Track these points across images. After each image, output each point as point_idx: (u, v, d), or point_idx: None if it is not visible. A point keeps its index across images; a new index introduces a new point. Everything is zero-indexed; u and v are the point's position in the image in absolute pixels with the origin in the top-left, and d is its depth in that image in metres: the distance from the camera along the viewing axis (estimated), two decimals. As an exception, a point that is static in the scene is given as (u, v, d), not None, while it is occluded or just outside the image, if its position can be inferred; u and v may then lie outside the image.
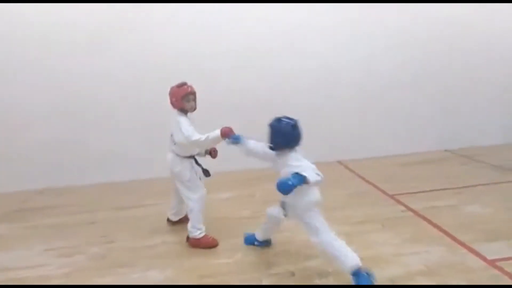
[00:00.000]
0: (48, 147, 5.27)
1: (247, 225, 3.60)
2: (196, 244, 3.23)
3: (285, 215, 2.76)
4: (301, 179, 2.36)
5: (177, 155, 3.22)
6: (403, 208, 3.82)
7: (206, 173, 3.39)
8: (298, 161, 2.55)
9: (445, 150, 6.10)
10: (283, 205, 2.76)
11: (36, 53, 5.07)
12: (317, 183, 2.44)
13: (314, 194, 2.63)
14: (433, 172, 5.00)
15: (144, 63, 5.28)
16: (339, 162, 5.80)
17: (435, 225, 3.36)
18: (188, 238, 3.29)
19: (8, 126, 5.16)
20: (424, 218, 3.53)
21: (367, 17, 5.66)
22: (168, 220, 3.76)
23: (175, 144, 3.17)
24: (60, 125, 5.26)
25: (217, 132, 2.92)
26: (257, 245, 3.18)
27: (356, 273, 2.44)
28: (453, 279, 2.54)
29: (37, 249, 3.41)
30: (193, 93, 3.16)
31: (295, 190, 2.35)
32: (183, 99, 3.09)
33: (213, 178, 5.11)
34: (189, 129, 3.00)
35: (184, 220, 3.64)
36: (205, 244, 3.22)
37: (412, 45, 5.83)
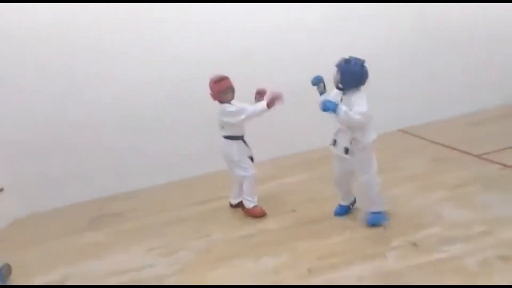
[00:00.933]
0: (110, 155, 5.32)
1: (336, 204, 3.53)
2: (248, 213, 3.64)
3: (347, 153, 2.91)
4: (335, 108, 2.71)
5: (226, 137, 3.50)
6: (499, 166, 3.65)
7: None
8: (359, 100, 2.75)
9: (509, 105, 5.80)
10: (335, 143, 3.01)
11: (100, 66, 5.09)
12: (347, 121, 2.76)
13: (372, 134, 2.88)
14: (502, 129, 4.75)
15: (194, 64, 5.17)
16: (401, 131, 5.62)
17: (546, 178, 3.20)
18: (243, 207, 3.71)
19: (71, 139, 5.21)
20: (528, 174, 3.36)
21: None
22: (230, 204, 3.99)
23: (223, 128, 3.47)
24: (121, 132, 5.28)
25: (263, 103, 3.23)
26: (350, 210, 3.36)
27: (378, 213, 2.98)
28: None
29: (137, 251, 3.45)
30: (230, 87, 3.37)
31: (362, 129, 2.81)
32: (220, 93, 3.33)
33: (281, 161, 5.16)
34: (235, 108, 3.32)
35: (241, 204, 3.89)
36: (256, 213, 3.59)
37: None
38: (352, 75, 2.75)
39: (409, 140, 5.15)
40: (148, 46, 5.13)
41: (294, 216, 3.48)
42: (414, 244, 2.64)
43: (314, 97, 3.02)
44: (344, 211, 3.30)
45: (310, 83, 3.03)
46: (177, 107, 5.28)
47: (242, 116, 3.28)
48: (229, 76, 3.45)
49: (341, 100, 2.85)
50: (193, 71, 5.18)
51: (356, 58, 2.78)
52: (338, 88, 2.87)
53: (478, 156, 4.01)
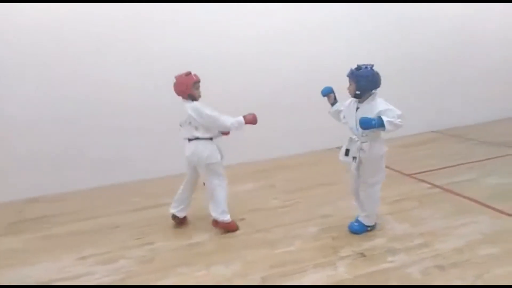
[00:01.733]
0: (36, 154, 4.82)
1: (284, 214, 3.64)
2: (226, 227, 3.33)
3: (354, 159, 2.99)
4: (381, 124, 2.69)
5: (201, 139, 3.22)
6: (428, 185, 4.00)
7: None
8: (387, 106, 2.79)
9: (432, 131, 6.44)
10: (348, 152, 3.03)
11: (27, 59, 4.63)
12: (393, 130, 2.74)
13: (383, 147, 2.97)
14: (435, 152, 5.28)
15: (135, 66, 5.01)
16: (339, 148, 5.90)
17: (467, 198, 3.57)
18: (216, 222, 3.35)
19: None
20: (453, 193, 3.73)
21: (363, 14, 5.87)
22: (174, 217, 3.54)
23: (196, 129, 3.20)
24: (52, 131, 4.83)
25: (241, 119, 3.20)
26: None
27: (370, 226, 3.07)
28: (513, 243, 2.72)
29: (68, 259, 3.12)
30: (199, 81, 3.27)
31: (372, 140, 2.87)
32: (193, 86, 3.19)
33: (230, 170, 5.08)
34: (212, 112, 3.15)
35: (185, 220, 3.62)
36: (233, 228, 3.35)
37: (394, 35, 6.07)
38: (367, 78, 2.79)
39: (347, 157, 5.44)
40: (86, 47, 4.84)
41: (243, 224, 3.44)
42: (362, 255, 2.76)
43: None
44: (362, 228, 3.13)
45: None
46: (119, 108, 4.99)
47: (228, 124, 3.18)
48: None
49: (357, 109, 2.89)
50: (144, 72, 4.99)
51: (364, 65, 2.85)
52: (355, 96, 2.88)
53: (410, 175, 4.37)
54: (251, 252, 2.95)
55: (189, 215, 3.67)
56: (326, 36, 5.75)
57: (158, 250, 3.14)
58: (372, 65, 2.87)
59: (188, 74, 3.22)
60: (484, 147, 5.26)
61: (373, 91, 2.86)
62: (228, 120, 3.18)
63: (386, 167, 4.60)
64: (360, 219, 3.09)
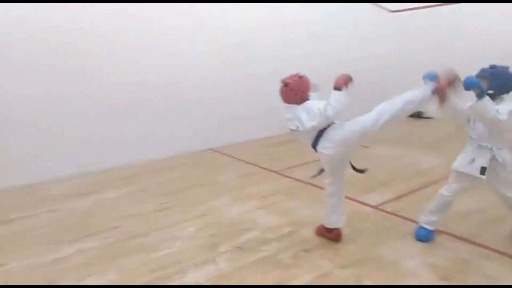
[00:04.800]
0: None
1: (160, 217, 3.56)
2: (323, 233, 3.04)
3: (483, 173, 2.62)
4: (479, 87, 2.41)
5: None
6: (291, 179, 4.44)
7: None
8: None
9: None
10: (483, 171, 2.61)
11: None
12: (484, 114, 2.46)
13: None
14: (291, 150, 5.78)
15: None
16: (212, 150, 6.04)
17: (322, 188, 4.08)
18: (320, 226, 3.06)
19: None
20: (312, 185, 4.21)
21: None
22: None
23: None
24: None
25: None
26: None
27: None
28: (362, 223, 3.26)
29: None
30: None
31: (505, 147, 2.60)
32: (309, 90, 2.80)
33: (92, 177, 4.68)
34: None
35: None
36: (335, 237, 2.99)
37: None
38: (504, 78, 2.55)
39: (219, 158, 5.61)
40: None
41: (116, 232, 3.24)
42: (239, 248, 2.92)
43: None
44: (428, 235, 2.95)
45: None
46: None
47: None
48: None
49: None
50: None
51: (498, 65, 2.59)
52: (488, 95, 2.49)
53: (275, 171, 4.78)
54: (127, 259, 2.81)
55: (48, 226, 3.29)
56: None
57: (12, 271, 2.72)
58: (508, 67, 2.60)
59: (301, 76, 2.79)
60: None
61: (504, 95, 2.59)
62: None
63: (254, 165, 5.09)
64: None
